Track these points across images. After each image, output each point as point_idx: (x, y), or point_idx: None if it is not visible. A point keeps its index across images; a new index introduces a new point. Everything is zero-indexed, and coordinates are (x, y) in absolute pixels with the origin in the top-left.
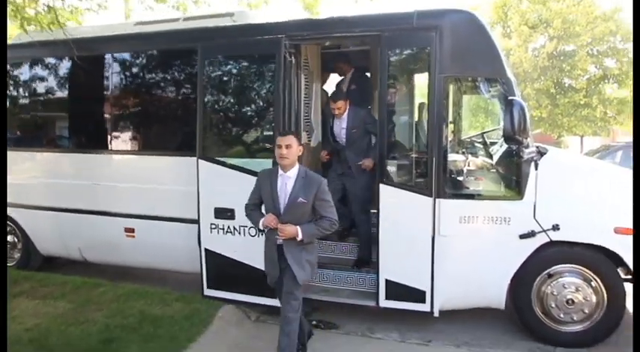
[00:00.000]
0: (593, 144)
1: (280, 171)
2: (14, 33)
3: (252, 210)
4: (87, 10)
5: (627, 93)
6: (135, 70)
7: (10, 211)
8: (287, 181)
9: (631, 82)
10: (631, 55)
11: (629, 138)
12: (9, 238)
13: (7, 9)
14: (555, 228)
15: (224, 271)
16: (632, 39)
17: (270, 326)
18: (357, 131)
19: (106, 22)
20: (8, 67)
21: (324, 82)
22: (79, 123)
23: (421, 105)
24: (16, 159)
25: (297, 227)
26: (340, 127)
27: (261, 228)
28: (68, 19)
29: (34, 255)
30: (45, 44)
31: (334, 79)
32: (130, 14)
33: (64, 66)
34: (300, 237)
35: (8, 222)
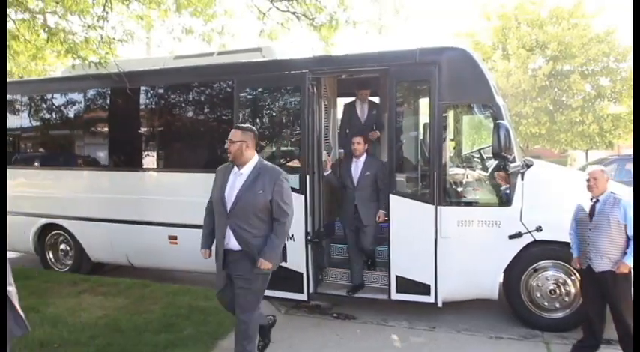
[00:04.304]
0: (597, 157)
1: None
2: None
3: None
4: (120, 41)
5: (622, 109)
6: (178, 98)
7: (64, 222)
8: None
9: (624, 100)
10: (624, 74)
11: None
12: (62, 247)
13: (60, 47)
14: (539, 229)
15: None
16: (625, 59)
17: (297, 317)
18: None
19: (132, 52)
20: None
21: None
22: (129, 146)
23: (424, 127)
24: (72, 177)
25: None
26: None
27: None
28: (104, 50)
29: (85, 262)
30: (97, 77)
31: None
32: (152, 43)
33: (116, 96)
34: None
35: (62, 233)
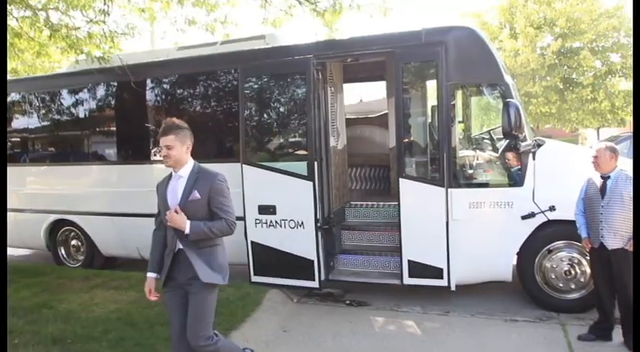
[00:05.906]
0: (609, 135)
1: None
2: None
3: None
4: (122, 34)
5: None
6: (183, 90)
7: (74, 218)
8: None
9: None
10: None
11: None
12: (73, 242)
13: (64, 43)
14: (552, 208)
15: (268, 259)
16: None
17: (310, 306)
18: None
19: (136, 45)
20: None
21: None
22: (137, 139)
23: (432, 108)
24: (81, 172)
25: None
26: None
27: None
28: (107, 44)
29: (97, 256)
30: (101, 71)
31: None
32: (155, 36)
33: (121, 90)
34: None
35: (73, 229)
